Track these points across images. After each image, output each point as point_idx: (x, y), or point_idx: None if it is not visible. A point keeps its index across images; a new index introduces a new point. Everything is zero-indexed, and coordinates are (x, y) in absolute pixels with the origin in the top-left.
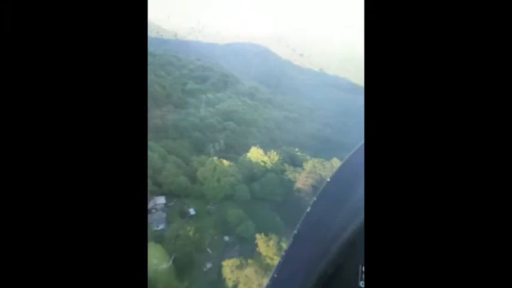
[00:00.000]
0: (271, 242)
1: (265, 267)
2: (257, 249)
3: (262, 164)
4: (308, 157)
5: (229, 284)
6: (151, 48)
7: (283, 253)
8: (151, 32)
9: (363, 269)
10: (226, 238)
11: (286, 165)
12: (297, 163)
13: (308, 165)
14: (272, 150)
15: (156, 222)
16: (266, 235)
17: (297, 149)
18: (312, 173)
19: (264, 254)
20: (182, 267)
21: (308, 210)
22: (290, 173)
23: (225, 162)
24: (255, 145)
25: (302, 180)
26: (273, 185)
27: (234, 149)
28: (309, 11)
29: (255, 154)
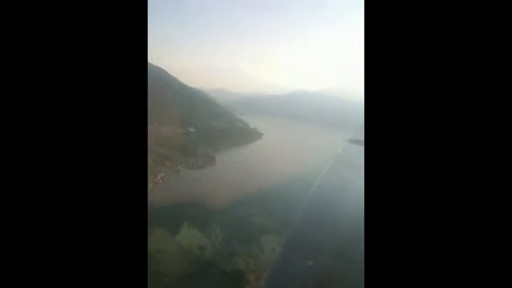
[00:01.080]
0: None
1: None
2: None
3: (199, 251)
4: (268, 220)
5: None
6: None
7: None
8: None
9: None
10: None
11: (236, 244)
12: (253, 233)
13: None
14: (214, 225)
15: None
16: None
17: (254, 206)
18: (266, 263)
19: None
20: None
21: None
22: (242, 259)
23: None
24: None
25: (256, 275)
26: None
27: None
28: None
29: (187, 238)
